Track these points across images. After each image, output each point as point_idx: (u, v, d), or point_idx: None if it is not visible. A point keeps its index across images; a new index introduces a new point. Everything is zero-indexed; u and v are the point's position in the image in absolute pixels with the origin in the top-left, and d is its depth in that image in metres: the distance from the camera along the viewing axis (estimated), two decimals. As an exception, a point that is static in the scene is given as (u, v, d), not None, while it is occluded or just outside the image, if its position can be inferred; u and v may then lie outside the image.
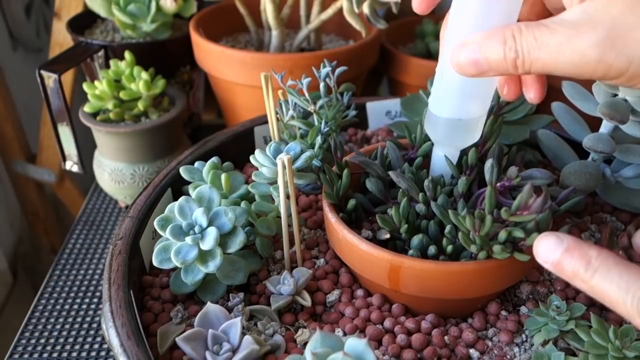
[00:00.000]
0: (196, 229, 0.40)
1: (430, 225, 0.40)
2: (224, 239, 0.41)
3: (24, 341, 0.53)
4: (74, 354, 0.52)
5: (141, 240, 0.45)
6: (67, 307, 0.57)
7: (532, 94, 0.35)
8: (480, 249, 0.37)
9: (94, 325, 0.55)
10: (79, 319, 0.56)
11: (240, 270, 0.42)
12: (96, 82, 0.64)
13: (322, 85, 0.49)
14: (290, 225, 0.45)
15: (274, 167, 0.43)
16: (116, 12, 0.72)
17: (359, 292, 0.43)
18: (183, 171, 0.48)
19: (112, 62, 0.65)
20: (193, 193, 0.42)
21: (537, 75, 0.35)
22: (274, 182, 0.44)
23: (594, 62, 0.26)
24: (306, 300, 0.42)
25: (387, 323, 0.40)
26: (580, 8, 0.27)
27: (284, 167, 0.39)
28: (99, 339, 0.54)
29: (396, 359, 0.38)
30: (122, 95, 0.64)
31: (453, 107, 0.38)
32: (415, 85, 0.73)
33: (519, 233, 0.35)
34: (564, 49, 0.27)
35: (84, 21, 0.81)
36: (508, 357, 0.39)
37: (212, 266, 0.40)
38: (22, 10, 0.96)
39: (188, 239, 0.39)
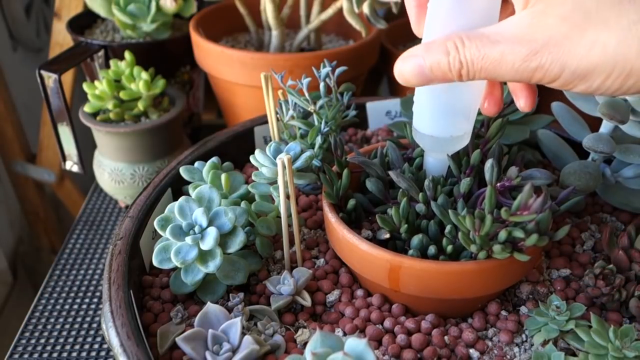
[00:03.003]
0: (196, 229, 0.40)
1: (430, 225, 0.40)
2: (224, 239, 0.41)
3: (24, 341, 0.53)
4: (74, 354, 0.52)
5: (141, 240, 0.45)
6: (67, 307, 0.57)
7: (522, 102, 0.36)
8: (480, 249, 0.37)
9: (94, 325, 0.55)
10: (79, 319, 0.56)
11: (240, 270, 0.42)
12: (96, 82, 0.64)
13: (322, 85, 0.49)
14: (290, 225, 0.45)
15: (274, 167, 0.43)
16: (116, 12, 0.72)
17: (359, 292, 0.43)
18: (183, 171, 0.48)
19: (112, 62, 0.65)
20: (193, 193, 0.42)
21: (525, 84, 0.36)
22: (274, 182, 0.44)
23: (533, 67, 0.29)
24: (306, 300, 0.42)
25: (387, 323, 0.40)
26: (521, 17, 0.29)
27: (284, 167, 0.39)
28: (99, 339, 0.54)
29: (396, 359, 0.38)
30: (122, 95, 0.64)
31: (436, 125, 0.38)
32: (415, 85, 0.73)
33: (519, 233, 0.35)
34: (506, 58, 0.29)
35: (84, 21, 0.81)
36: (508, 357, 0.39)
37: (212, 266, 0.40)
38: (22, 10, 0.96)
39: (188, 239, 0.39)
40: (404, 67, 0.33)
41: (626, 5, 0.26)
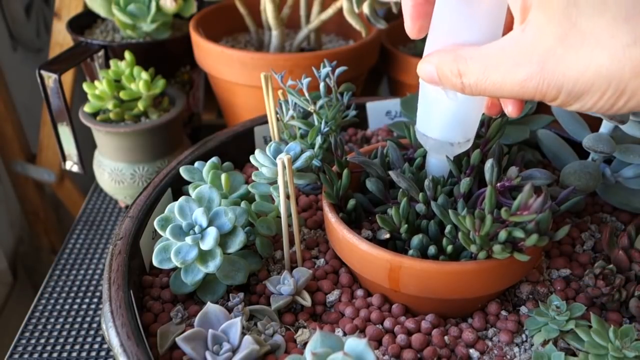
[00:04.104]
0: (196, 229, 0.40)
1: (430, 225, 0.40)
2: (224, 239, 0.41)
3: (24, 341, 0.53)
4: (74, 354, 0.52)
5: (141, 240, 0.45)
6: (67, 307, 0.57)
7: (510, 108, 0.36)
8: (480, 249, 0.37)
9: (94, 325, 0.55)
10: (79, 319, 0.56)
11: (240, 270, 0.42)
12: (96, 82, 0.64)
13: (322, 85, 0.49)
14: (290, 225, 0.45)
15: (274, 167, 0.43)
16: (116, 12, 0.72)
17: (359, 292, 0.43)
18: (183, 171, 0.48)
19: (112, 62, 0.65)
20: (193, 193, 0.42)
21: None
22: (274, 182, 0.44)
23: (532, 91, 0.29)
24: (306, 300, 0.42)
25: (387, 323, 0.40)
26: (520, 34, 0.29)
27: (284, 167, 0.39)
28: (99, 339, 0.54)
29: (396, 359, 0.38)
30: (122, 95, 0.64)
31: (438, 130, 0.38)
32: (415, 85, 0.73)
33: (519, 233, 0.35)
34: (506, 80, 0.30)
35: (84, 21, 0.81)
36: (508, 357, 0.39)
37: (212, 266, 0.40)
38: (22, 10, 0.96)
39: (188, 239, 0.39)
40: (421, 69, 0.35)
41: (621, 25, 0.26)
